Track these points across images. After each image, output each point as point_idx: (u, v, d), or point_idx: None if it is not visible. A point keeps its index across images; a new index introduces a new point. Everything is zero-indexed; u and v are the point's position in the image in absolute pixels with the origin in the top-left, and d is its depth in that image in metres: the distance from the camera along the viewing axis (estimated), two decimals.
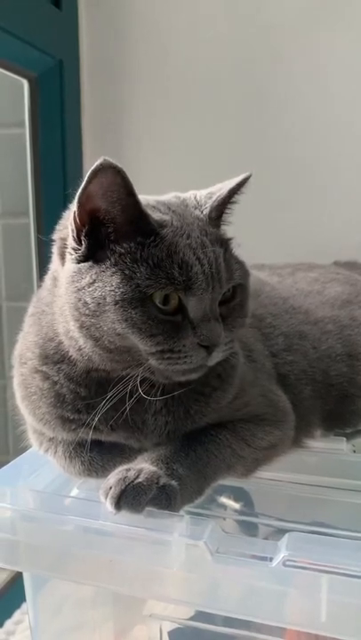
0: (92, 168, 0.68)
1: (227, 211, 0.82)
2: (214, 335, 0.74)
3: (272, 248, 1.35)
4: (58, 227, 0.81)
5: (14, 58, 1.45)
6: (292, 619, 0.66)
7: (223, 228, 0.83)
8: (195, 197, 0.83)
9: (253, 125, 1.58)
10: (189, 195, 0.84)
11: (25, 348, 0.86)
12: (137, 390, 0.75)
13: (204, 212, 0.80)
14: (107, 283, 0.71)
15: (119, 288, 0.71)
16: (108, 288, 0.71)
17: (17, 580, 1.41)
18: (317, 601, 0.63)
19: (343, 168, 1.55)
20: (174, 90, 1.62)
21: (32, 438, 0.91)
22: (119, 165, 0.68)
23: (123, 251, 0.72)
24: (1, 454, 1.68)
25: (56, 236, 0.81)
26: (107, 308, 0.71)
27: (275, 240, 1.53)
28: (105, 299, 0.71)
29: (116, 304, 0.70)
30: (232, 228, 0.84)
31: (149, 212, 0.74)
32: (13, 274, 1.69)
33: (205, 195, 0.83)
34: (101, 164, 0.67)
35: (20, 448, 0.96)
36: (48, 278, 0.84)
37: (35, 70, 1.51)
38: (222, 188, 0.82)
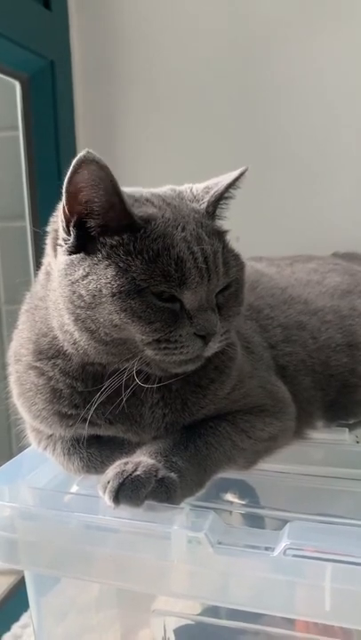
0: (76, 160, 0.68)
1: (222, 205, 0.82)
2: (210, 324, 0.73)
3: (272, 242, 1.34)
4: (51, 218, 0.81)
5: (5, 59, 1.45)
6: (296, 608, 0.65)
7: (218, 221, 0.82)
8: (191, 190, 0.82)
9: (250, 121, 1.58)
10: (185, 187, 0.83)
11: (19, 344, 0.85)
12: (132, 381, 0.74)
13: (202, 206, 0.79)
14: (101, 275, 0.71)
15: (115, 280, 0.70)
16: (104, 280, 0.70)
17: (24, 582, 1.40)
18: (321, 589, 0.62)
19: (341, 163, 1.54)
20: (167, 88, 1.61)
21: (30, 436, 0.90)
22: (102, 160, 0.67)
23: (114, 243, 0.72)
24: (2, 458, 1.67)
25: (50, 227, 0.80)
26: (103, 299, 0.70)
27: (274, 234, 1.53)
28: (101, 291, 0.70)
29: (113, 296, 0.70)
30: (232, 222, 0.83)
31: (140, 205, 0.74)
32: (11, 276, 1.69)
33: (202, 188, 0.82)
34: (85, 156, 0.67)
35: (19, 447, 0.95)
36: (41, 273, 0.84)
37: (26, 71, 1.52)
38: (219, 182, 0.82)
